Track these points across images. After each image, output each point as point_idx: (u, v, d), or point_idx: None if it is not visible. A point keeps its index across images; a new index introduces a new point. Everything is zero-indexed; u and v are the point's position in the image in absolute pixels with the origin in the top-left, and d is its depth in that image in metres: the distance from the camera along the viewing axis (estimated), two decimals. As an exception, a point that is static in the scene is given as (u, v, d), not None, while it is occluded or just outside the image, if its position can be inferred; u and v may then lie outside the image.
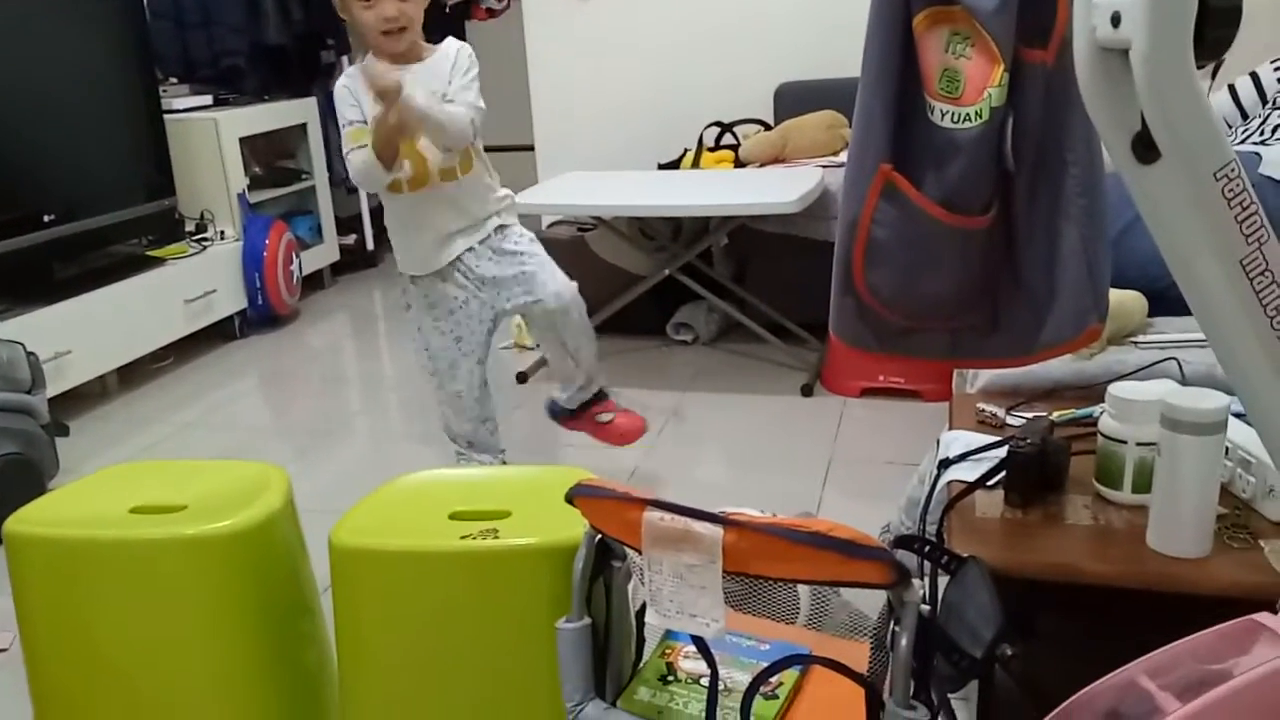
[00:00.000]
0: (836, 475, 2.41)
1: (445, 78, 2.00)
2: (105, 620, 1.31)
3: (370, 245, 4.67)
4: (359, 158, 1.96)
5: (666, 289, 3.20)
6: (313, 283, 4.25)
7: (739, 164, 3.41)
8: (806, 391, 2.90)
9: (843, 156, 3.28)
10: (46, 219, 3.01)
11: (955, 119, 1.05)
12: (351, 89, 2.00)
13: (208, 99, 3.88)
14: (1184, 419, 1.04)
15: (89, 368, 3.03)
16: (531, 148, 4.06)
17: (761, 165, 3.35)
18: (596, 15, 3.82)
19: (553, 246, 3.46)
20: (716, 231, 3.21)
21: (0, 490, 2.19)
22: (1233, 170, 0.73)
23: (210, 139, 3.70)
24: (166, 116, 3.57)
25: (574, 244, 3.34)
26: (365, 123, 1.97)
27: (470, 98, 2.00)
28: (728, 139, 3.61)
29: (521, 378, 3.14)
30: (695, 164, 3.48)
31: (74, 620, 1.31)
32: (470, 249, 2.11)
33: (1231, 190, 0.73)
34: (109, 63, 3.38)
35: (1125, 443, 1.17)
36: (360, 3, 1.94)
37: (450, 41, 2.08)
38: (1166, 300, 1.65)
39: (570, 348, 2.24)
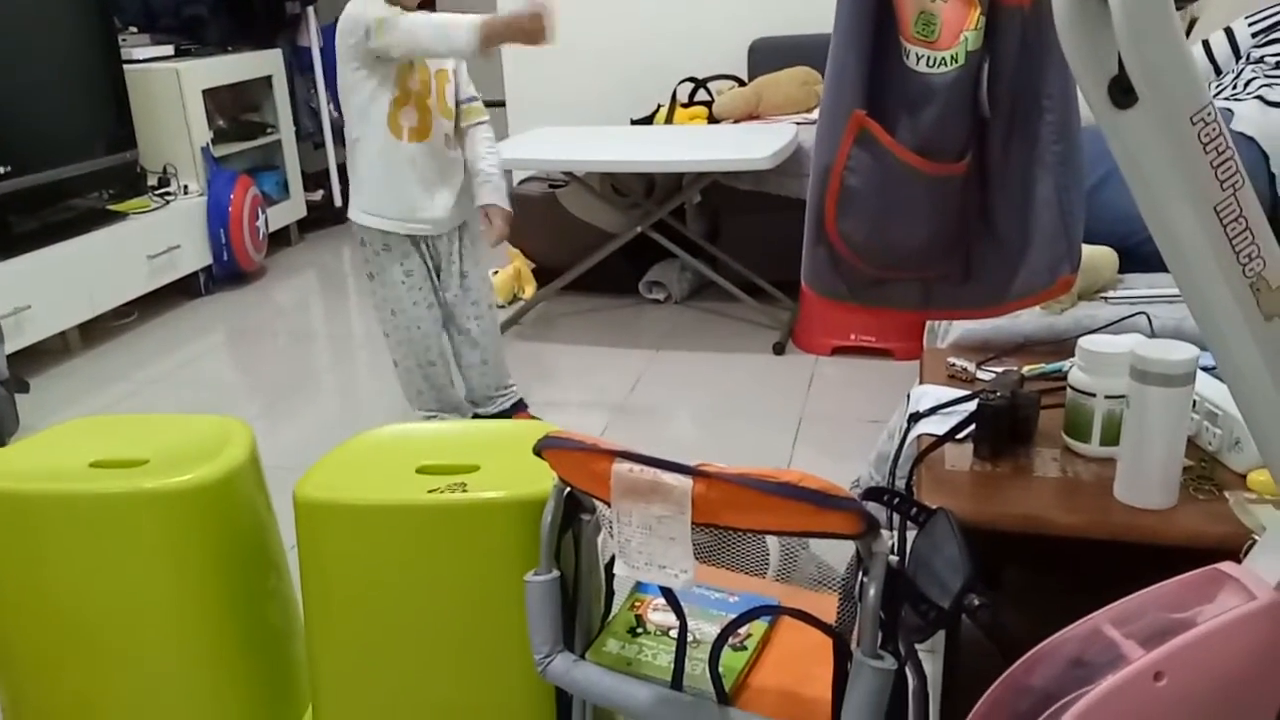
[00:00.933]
0: (807, 432, 2.41)
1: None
2: (66, 576, 1.28)
3: (338, 202, 4.60)
4: (450, 17, 1.93)
5: (639, 247, 3.18)
6: (279, 240, 4.19)
7: (712, 120, 3.38)
8: (778, 350, 2.90)
9: (816, 113, 3.26)
10: (1, 171, 2.93)
11: (931, 63, 1.03)
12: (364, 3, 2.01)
13: (169, 49, 3.79)
14: (1153, 370, 1.04)
15: (50, 323, 2.97)
16: (502, 103, 4.00)
17: (735, 121, 3.33)
18: (568, -33, 3.74)
19: (524, 203, 3.44)
20: (689, 188, 3.19)
21: (-42, 447, 2.15)
22: (1209, 114, 0.72)
23: (172, 90, 3.62)
24: (126, 67, 3.49)
25: (545, 200, 3.30)
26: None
27: (477, 95, 2.24)
28: (701, 95, 3.58)
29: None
30: (668, 120, 3.45)
31: (34, 576, 1.29)
32: (446, 231, 2.16)
33: (1208, 135, 0.72)
34: (66, 10, 3.28)
35: (1094, 395, 1.17)
36: None
37: None
38: (1137, 256, 1.65)
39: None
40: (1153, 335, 1.44)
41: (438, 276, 2.21)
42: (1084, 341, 1.18)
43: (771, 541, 1.49)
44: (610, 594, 1.17)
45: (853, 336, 2.83)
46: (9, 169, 2.95)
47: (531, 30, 1.93)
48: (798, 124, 3.12)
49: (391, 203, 2.11)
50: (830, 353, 2.86)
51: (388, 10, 1.97)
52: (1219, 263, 0.76)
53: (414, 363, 2.21)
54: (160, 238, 3.43)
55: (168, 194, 3.61)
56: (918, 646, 0.99)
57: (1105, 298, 1.62)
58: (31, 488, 1.29)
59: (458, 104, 2.16)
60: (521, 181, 3.58)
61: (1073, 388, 1.20)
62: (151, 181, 3.63)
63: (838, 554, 1.54)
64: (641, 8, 3.72)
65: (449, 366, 2.26)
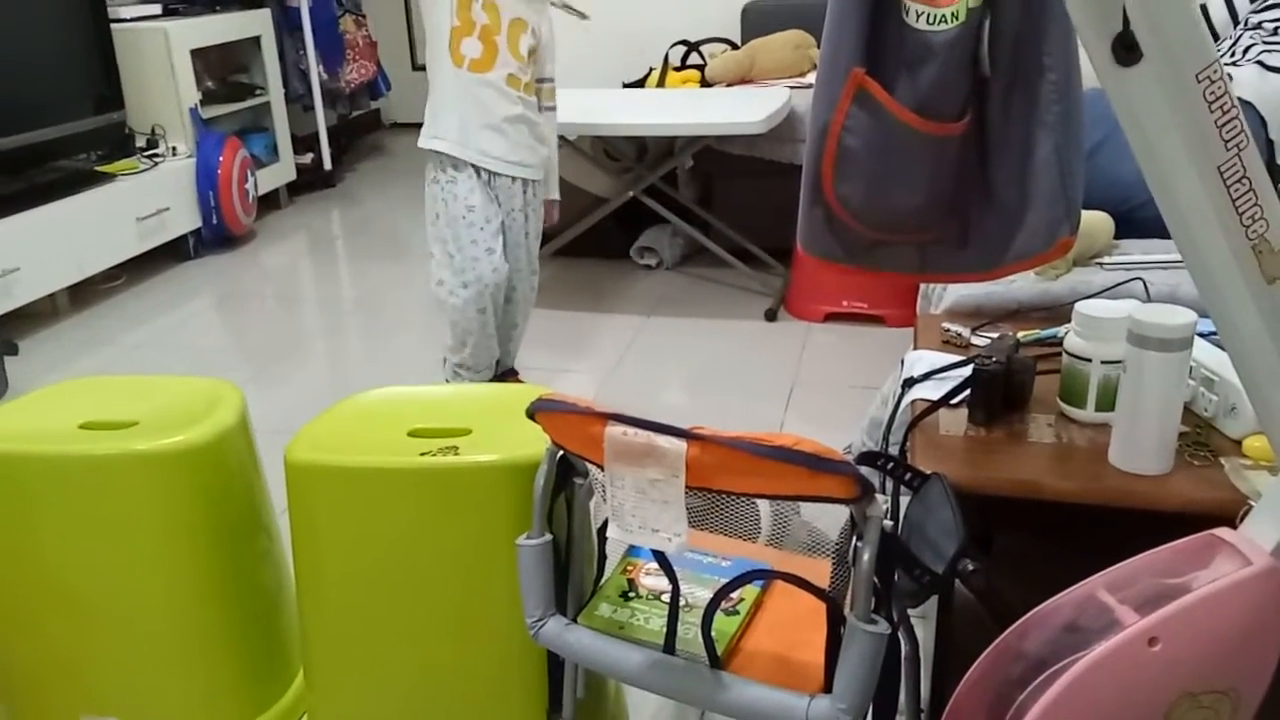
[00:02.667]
0: (799, 399, 2.41)
1: (530, 18, 2.12)
2: (55, 537, 1.28)
3: (328, 165, 4.55)
4: None
5: (630, 212, 3.16)
6: (269, 203, 4.15)
7: (705, 84, 3.35)
8: (770, 316, 2.89)
9: (810, 78, 3.24)
10: (-14, 131, 2.89)
11: (931, 20, 1.01)
12: None
13: (156, 8, 3.72)
14: (1151, 334, 1.03)
15: (38, 286, 2.94)
16: (494, 65, 3.95)
17: (728, 85, 3.29)
18: (561, -73, 3.69)
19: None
20: (682, 153, 3.16)
21: (-55, 409, 2.13)
22: (1215, 72, 0.71)
23: (160, 50, 3.56)
24: (113, 26, 3.43)
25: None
26: None
27: (553, 76, 2.28)
28: (694, 59, 3.54)
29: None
30: (660, 83, 3.41)
31: (23, 537, 1.28)
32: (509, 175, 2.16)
33: (1213, 93, 0.71)
34: (48, -34, 3.22)
35: (1090, 361, 1.17)
36: None
37: None
38: (1133, 222, 1.64)
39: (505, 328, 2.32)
40: (1149, 301, 1.43)
41: (503, 229, 2.19)
42: (1081, 306, 1.18)
43: (763, 506, 1.49)
44: (602, 558, 1.16)
45: (845, 303, 2.82)
46: (-6, 129, 2.91)
47: None
48: (791, 88, 3.09)
49: (450, 127, 2.10)
50: (822, 319, 2.85)
51: None
52: (1221, 224, 0.76)
53: (470, 309, 2.16)
54: (149, 200, 3.39)
55: (156, 156, 3.56)
56: (911, 612, 0.99)
57: (1100, 263, 1.61)
58: (20, 449, 1.27)
59: (539, 80, 2.20)
60: (513, 145, 3.54)
61: (1068, 353, 1.19)
62: (140, 143, 3.58)
63: (830, 520, 1.54)
64: (635, -31, 3.68)
65: (498, 319, 2.24)
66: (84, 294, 3.22)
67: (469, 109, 2.09)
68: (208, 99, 3.83)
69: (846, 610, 0.91)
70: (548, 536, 1.07)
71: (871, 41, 1.06)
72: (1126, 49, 0.72)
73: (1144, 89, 0.73)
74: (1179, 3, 0.69)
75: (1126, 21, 0.71)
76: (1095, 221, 1.62)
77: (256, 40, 4.09)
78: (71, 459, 1.27)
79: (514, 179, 2.17)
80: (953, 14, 1.00)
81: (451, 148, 2.10)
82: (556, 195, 2.30)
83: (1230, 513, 0.91)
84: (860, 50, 1.06)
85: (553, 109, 2.26)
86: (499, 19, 2.07)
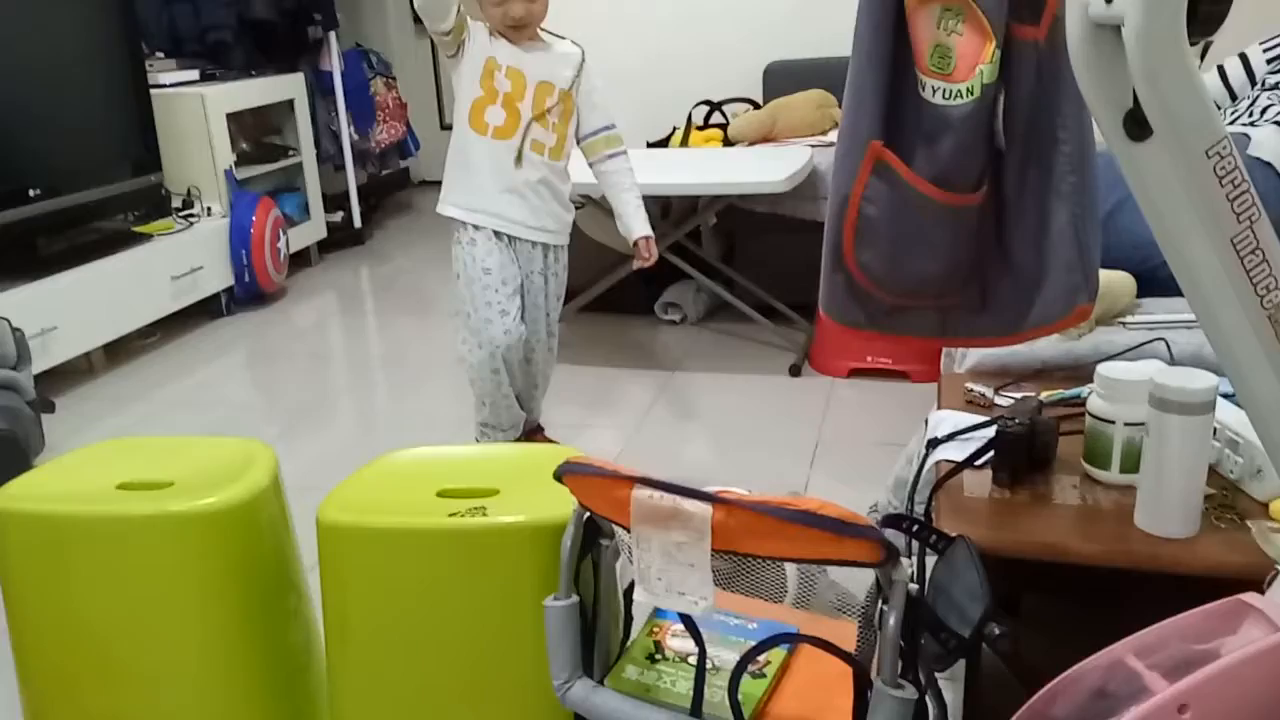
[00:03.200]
0: (824, 456, 2.41)
1: (562, 76, 2.16)
2: (91, 596, 1.30)
3: (358, 223, 4.64)
4: None
5: (655, 268, 3.18)
6: (300, 260, 4.23)
7: (728, 142, 3.40)
8: (794, 372, 2.90)
9: (832, 136, 3.27)
10: (31, 194, 2.98)
11: (947, 95, 1.04)
12: (481, 36, 2.11)
13: (194, 74, 3.84)
14: (1172, 399, 1.04)
15: (75, 344, 3.01)
16: (520, 125, 4.03)
17: (750, 144, 3.34)
18: (587, -8, 3.79)
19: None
20: (705, 211, 3.20)
21: (-16, 467, 2.18)
22: (1225, 148, 0.73)
23: (197, 114, 3.67)
24: (153, 91, 3.54)
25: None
26: (464, 25, 2.09)
27: (609, 115, 2.28)
28: (716, 118, 3.60)
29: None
30: (684, 142, 3.47)
31: (61, 596, 1.31)
32: (528, 239, 2.20)
33: (1223, 168, 0.73)
34: (95, 36, 3.33)
35: (1113, 423, 1.17)
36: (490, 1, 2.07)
37: (571, 46, 2.21)
38: (1155, 281, 1.65)
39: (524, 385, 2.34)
40: (1172, 361, 1.44)
41: (522, 288, 2.22)
42: (1103, 368, 1.18)
43: (789, 568, 1.49)
44: (629, 619, 1.17)
45: (869, 359, 2.83)
46: (39, 191, 2.99)
47: None
48: (813, 146, 3.13)
49: (467, 194, 2.15)
50: (847, 375, 2.86)
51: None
52: (1236, 294, 0.77)
53: (484, 369, 2.19)
54: (183, 259, 3.47)
55: (191, 216, 3.65)
56: (938, 675, 0.99)
57: (1123, 323, 1.62)
58: (60, 509, 1.30)
59: (582, 136, 2.23)
60: (539, 203, 3.60)
61: (1091, 414, 1.20)
62: (176, 203, 3.67)
63: (857, 580, 1.54)
64: (657, 31, 3.76)
65: (514, 379, 2.25)
66: (119, 351, 3.29)
67: (489, 174, 2.13)
68: (242, 160, 3.92)
69: (873, 674, 0.91)
70: (575, 598, 1.08)
71: (890, 114, 1.09)
72: (1137, 124, 0.74)
73: (1155, 163, 0.75)
74: (1187, 82, 0.71)
75: (1136, 99, 0.74)
76: (1117, 281, 1.63)
77: (290, 103, 4.20)
78: (109, 519, 1.29)
79: (534, 243, 2.20)
80: (968, 89, 1.03)
81: (464, 214, 2.15)
82: (649, 231, 2.28)
83: (1258, 576, 0.91)
84: (879, 123, 1.08)
85: (619, 154, 2.27)
86: (523, 85, 2.11)
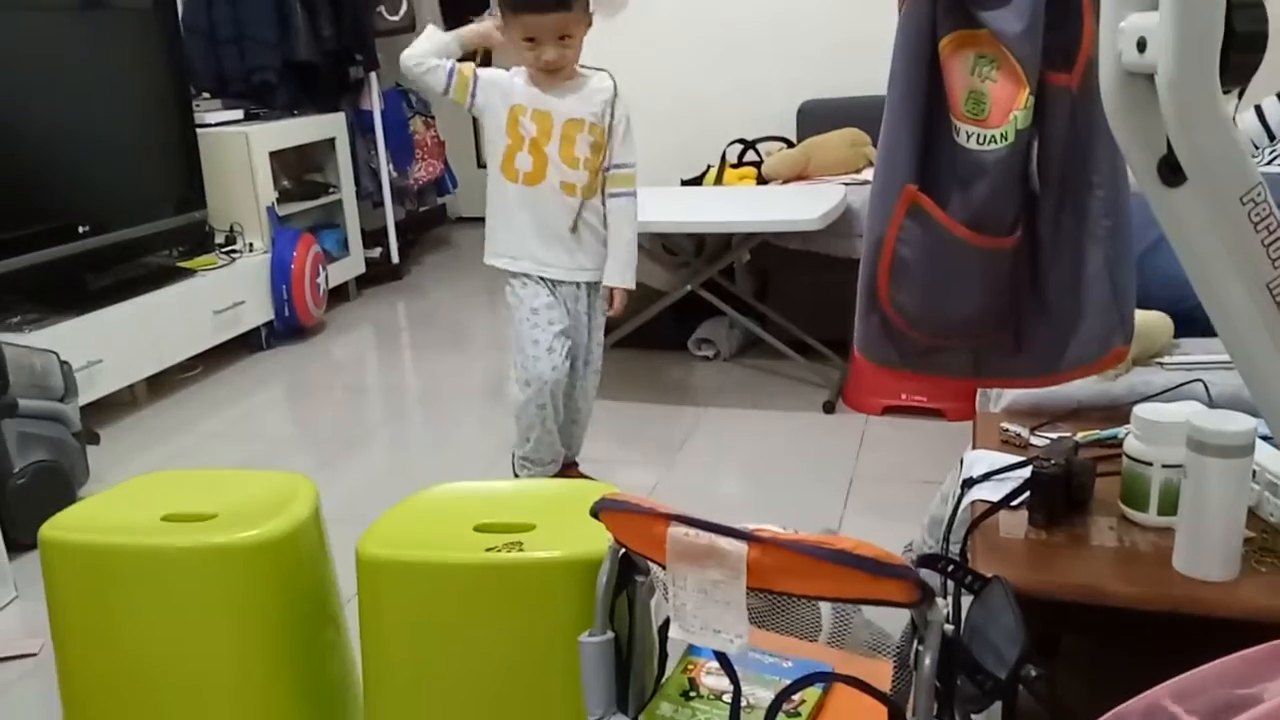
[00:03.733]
0: (858, 493, 2.40)
1: (591, 111, 2.16)
2: (135, 626, 1.33)
3: (396, 259, 4.71)
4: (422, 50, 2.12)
5: (688, 304, 3.21)
6: (338, 295, 4.29)
7: (761, 181, 3.43)
8: (828, 408, 2.90)
9: (865, 174, 3.29)
10: (81, 230, 3.06)
11: (981, 140, 1.06)
12: (504, 84, 2.14)
13: (239, 113, 3.93)
14: (1210, 441, 1.04)
15: (120, 377, 3.07)
16: (556, 163, 4.08)
17: (784, 182, 3.36)
18: (623, 31, 3.84)
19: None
20: (739, 248, 3.22)
21: (31, 497, 2.22)
22: (1259, 194, 0.73)
23: (241, 153, 3.75)
24: (199, 130, 3.63)
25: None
26: (474, 89, 2.13)
27: (630, 153, 2.24)
28: (750, 156, 3.63)
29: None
30: (718, 180, 3.50)
31: (106, 625, 1.33)
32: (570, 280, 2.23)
33: (1258, 214, 0.73)
34: (144, 78, 3.43)
35: (1151, 464, 1.17)
36: (526, 42, 2.08)
37: (606, 78, 2.21)
38: (1192, 321, 1.64)
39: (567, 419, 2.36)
40: (1210, 403, 1.43)
41: (567, 326, 2.24)
42: (1139, 410, 1.18)
43: (824, 606, 1.49)
44: (664, 656, 1.18)
45: (904, 396, 2.82)
46: (88, 228, 3.07)
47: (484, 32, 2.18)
48: (846, 185, 3.14)
49: (506, 242, 2.19)
50: (881, 412, 2.85)
51: (457, 68, 2.16)
52: (1271, 337, 0.77)
53: (524, 410, 2.22)
54: (225, 294, 3.54)
55: (234, 251, 3.72)
56: (974, 717, 0.98)
57: (1160, 363, 1.61)
58: (106, 540, 1.34)
59: (607, 168, 2.21)
60: (574, 240, 3.64)
61: (1129, 456, 1.19)
62: (219, 239, 3.75)
63: (892, 619, 1.53)
64: (693, 71, 3.80)
65: (557, 415, 2.27)
66: (162, 384, 3.35)
67: (525, 222, 2.16)
68: (284, 197, 4.00)
69: (909, 714, 0.91)
70: (610, 634, 1.08)
71: (924, 158, 1.10)
72: (1171, 171, 0.75)
73: (1189, 208, 0.75)
74: (1220, 130, 0.72)
75: (1170, 145, 0.75)
76: (1154, 321, 1.62)
77: (331, 142, 4.28)
78: (154, 551, 1.32)
79: (577, 284, 2.23)
80: (1002, 134, 1.04)
81: (508, 262, 2.19)
82: (631, 285, 2.26)
83: (1299, 621, 0.90)
84: (913, 166, 1.10)
85: (624, 195, 2.24)
86: (550, 126, 2.14)
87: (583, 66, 2.19)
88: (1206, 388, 1.47)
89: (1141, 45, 0.74)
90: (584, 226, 2.21)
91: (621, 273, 2.25)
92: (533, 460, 2.29)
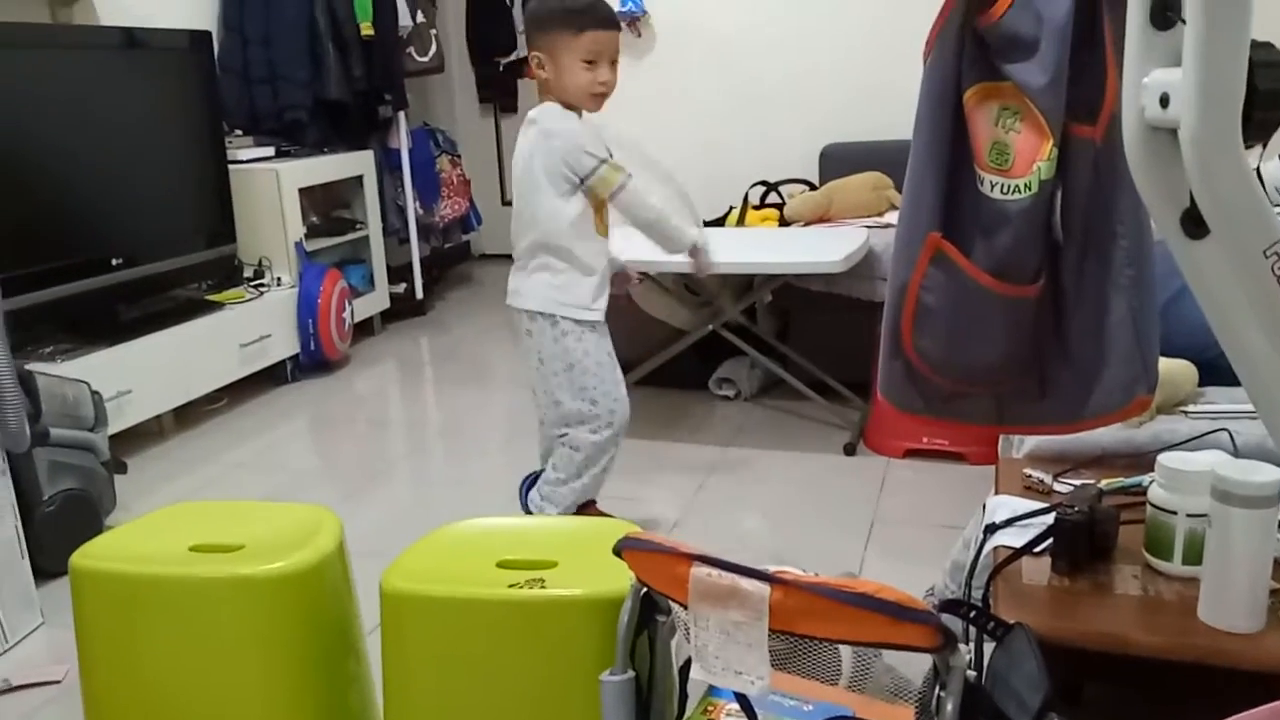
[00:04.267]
0: (879, 536, 2.40)
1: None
2: (161, 654, 1.34)
3: (420, 294, 4.75)
4: (645, 202, 2.14)
5: (709, 344, 3.23)
6: (363, 329, 4.33)
7: (784, 223, 3.45)
8: (849, 450, 2.90)
9: (888, 217, 3.31)
10: (114, 263, 3.11)
11: (1005, 190, 1.07)
12: (585, 133, 2.10)
13: (270, 150, 4.00)
14: (1235, 491, 1.04)
15: (148, 407, 3.11)
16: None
17: (806, 224, 3.39)
18: (647, 74, 3.90)
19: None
20: (761, 289, 3.24)
21: (60, 525, 2.25)
22: (1282, 248, 0.74)
23: (271, 189, 3.82)
24: (231, 166, 3.69)
25: (619, 297, 3.37)
26: (612, 157, 2.11)
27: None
28: (772, 198, 3.66)
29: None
30: (740, 221, 3.53)
31: (132, 653, 1.35)
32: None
33: (1281, 268, 0.74)
34: (180, 115, 3.51)
35: (1175, 513, 1.17)
36: (583, 63, 2.05)
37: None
38: (1217, 370, 1.64)
39: None
40: (1235, 452, 1.42)
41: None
42: (1164, 459, 1.18)
43: (844, 650, 1.48)
44: (684, 697, 1.18)
45: (925, 440, 2.81)
46: (121, 261, 3.13)
47: (699, 265, 2.32)
48: (869, 227, 3.16)
49: (584, 294, 2.19)
50: (902, 455, 2.85)
51: (612, 164, 2.10)
52: (1296, 390, 0.78)
53: (609, 446, 2.22)
54: (253, 327, 3.58)
55: (262, 285, 3.77)
56: (994, 765, 0.98)
57: (1185, 412, 1.61)
58: (134, 569, 1.36)
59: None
60: (598, 279, 3.67)
61: (1153, 504, 1.19)
62: (247, 273, 3.80)
63: (913, 665, 1.53)
64: (716, 113, 3.85)
65: None
66: (188, 415, 3.38)
67: (601, 272, 2.18)
68: (312, 233, 4.06)
69: (930, 761, 0.91)
70: (630, 673, 1.09)
71: (948, 207, 1.12)
72: (1194, 224, 0.76)
73: (1212, 261, 0.76)
74: (1243, 184, 0.73)
75: (1193, 199, 0.76)
76: (1178, 370, 1.62)
77: (359, 179, 4.35)
78: (182, 580, 1.34)
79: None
80: (1025, 185, 1.06)
81: (584, 313, 2.18)
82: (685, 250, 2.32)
83: (1326, 674, 0.90)
84: (937, 214, 1.12)
85: (618, 190, 2.16)
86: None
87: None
88: (1232, 437, 1.46)
89: (1164, 101, 0.75)
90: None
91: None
92: (555, 502, 2.27)
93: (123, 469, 2.71)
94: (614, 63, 2.08)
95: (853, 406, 3.11)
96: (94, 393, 2.55)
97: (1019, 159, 1.06)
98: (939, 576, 1.70)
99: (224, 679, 1.34)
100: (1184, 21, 0.72)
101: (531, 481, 2.36)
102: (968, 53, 1.08)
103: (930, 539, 2.28)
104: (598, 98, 2.10)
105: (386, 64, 4.35)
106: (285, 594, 1.34)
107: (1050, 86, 1.02)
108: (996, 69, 1.06)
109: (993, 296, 1.10)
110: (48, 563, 2.17)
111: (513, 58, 5.58)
